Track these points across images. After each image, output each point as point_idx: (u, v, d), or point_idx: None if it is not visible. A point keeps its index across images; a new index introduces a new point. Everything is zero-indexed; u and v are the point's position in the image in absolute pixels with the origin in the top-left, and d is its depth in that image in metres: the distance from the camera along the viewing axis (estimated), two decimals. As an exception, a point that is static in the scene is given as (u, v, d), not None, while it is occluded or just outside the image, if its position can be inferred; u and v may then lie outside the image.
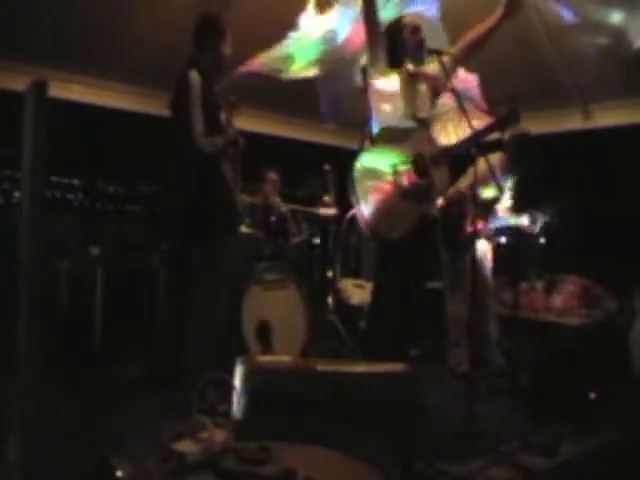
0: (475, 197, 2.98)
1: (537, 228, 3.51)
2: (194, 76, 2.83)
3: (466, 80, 3.94)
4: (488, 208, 3.66)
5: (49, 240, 3.51)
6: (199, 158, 2.86)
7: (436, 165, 2.81)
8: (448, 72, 2.81)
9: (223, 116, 2.98)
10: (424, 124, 2.91)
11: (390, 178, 2.73)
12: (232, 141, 2.95)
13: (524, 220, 3.56)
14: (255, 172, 4.29)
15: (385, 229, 2.74)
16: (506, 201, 3.78)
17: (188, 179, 2.95)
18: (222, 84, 3.09)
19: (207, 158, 2.87)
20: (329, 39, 4.15)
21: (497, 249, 3.84)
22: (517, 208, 3.76)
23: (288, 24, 4.03)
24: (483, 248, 3.75)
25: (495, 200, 3.67)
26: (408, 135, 2.82)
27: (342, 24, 4.06)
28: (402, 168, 2.76)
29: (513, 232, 3.65)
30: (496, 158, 3.62)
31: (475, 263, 3.65)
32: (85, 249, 3.91)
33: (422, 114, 2.91)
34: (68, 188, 3.93)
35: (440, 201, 3.52)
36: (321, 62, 4.29)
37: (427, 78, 2.97)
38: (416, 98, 2.91)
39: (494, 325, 3.73)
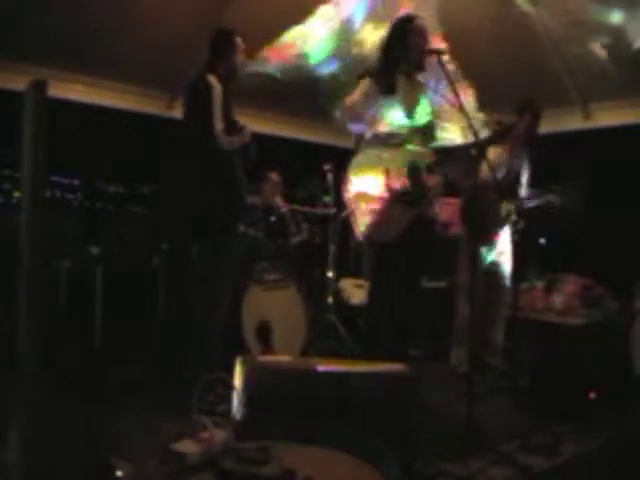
0: (496, 184, 2.96)
1: (557, 204, 3.49)
2: (213, 80, 2.94)
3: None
4: (511, 190, 3.62)
5: (49, 240, 3.51)
6: (215, 155, 2.92)
7: (430, 173, 2.82)
8: (447, 72, 2.78)
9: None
10: (422, 129, 2.91)
11: (384, 181, 2.73)
12: (247, 142, 3.04)
13: (544, 199, 3.54)
14: (255, 172, 4.30)
15: (378, 232, 2.75)
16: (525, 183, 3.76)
17: (203, 177, 3.00)
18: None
19: (223, 155, 2.93)
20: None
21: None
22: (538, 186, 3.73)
23: (288, 24, 4.03)
24: (503, 249, 3.71)
25: (517, 182, 3.63)
26: (406, 140, 2.82)
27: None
28: (396, 171, 2.76)
29: (541, 210, 3.61)
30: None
31: (492, 265, 3.67)
32: (85, 249, 3.91)
33: (421, 119, 2.90)
34: (68, 188, 3.92)
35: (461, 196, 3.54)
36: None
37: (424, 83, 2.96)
38: (415, 103, 2.90)
39: (502, 331, 3.72)
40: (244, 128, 3.05)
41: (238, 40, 3.10)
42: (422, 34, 2.85)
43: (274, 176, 4.61)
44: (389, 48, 2.89)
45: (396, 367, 2.28)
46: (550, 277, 4.23)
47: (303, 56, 4.07)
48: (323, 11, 3.95)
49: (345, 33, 4.08)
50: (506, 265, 3.72)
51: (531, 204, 3.63)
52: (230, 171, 3.01)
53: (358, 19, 4.04)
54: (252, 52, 4.11)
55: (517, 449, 2.48)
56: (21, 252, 1.61)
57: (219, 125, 2.87)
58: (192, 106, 3.08)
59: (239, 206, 3.08)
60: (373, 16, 3.97)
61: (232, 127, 3.00)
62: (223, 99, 2.94)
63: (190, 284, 3.55)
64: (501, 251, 3.70)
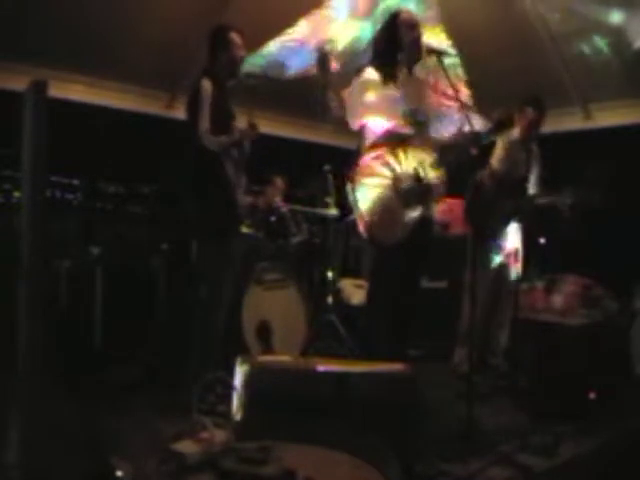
0: (503, 177, 2.95)
1: (567, 206, 3.46)
2: (205, 83, 2.96)
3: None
4: (518, 187, 3.61)
5: (49, 240, 3.50)
6: (202, 156, 2.93)
7: (435, 170, 2.82)
8: (446, 72, 2.77)
9: (236, 125, 3.07)
10: (423, 126, 2.90)
11: (389, 182, 2.73)
12: (237, 142, 3.03)
13: (555, 199, 3.51)
14: (261, 175, 4.31)
15: (384, 234, 2.74)
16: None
17: (195, 178, 3.03)
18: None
19: (209, 155, 2.92)
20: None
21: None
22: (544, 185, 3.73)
23: (288, 24, 4.04)
24: (510, 250, 3.70)
25: (524, 179, 3.62)
26: (408, 139, 2.82)
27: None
28: (401, 173, 2.75)
29: (544, 211, 3.60)
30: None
31: (500, 266, 3.66)
32: (85, 249, 3.91)
33: (421, 116, 2.90)
34: (68, 188, 3.92)
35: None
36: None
37: (423, 78, 2.96)
38: (415, 99, 2.89)
39: (506, 333, 3.71)
40: (244, 130, 3.05)
41: (234, 36, 3.08)
42: (409, 26, 2.84)
43: (279, 182, 4.62)
44: (380, 50, 2.90)
45: (396, 367, 2.28)
46: (550, 277, 4.23)
47: None
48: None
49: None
50: (514, 266, 3.71)
51: (540, 202, 3.63)
52: (221, 171, 2.99)
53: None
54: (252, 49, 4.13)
55: (517, 449, 2.48)
56: (21, 252, 1.61)
57: (203, 125, 2.90)
58: (186, 108, 3.12)
59: (234, 206, 3.07)
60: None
61: (226, 128, 3.00)
62: (216, 99, 2.94)
63: (190, 284, 3.55)
64: (509, 252, 3.69)
